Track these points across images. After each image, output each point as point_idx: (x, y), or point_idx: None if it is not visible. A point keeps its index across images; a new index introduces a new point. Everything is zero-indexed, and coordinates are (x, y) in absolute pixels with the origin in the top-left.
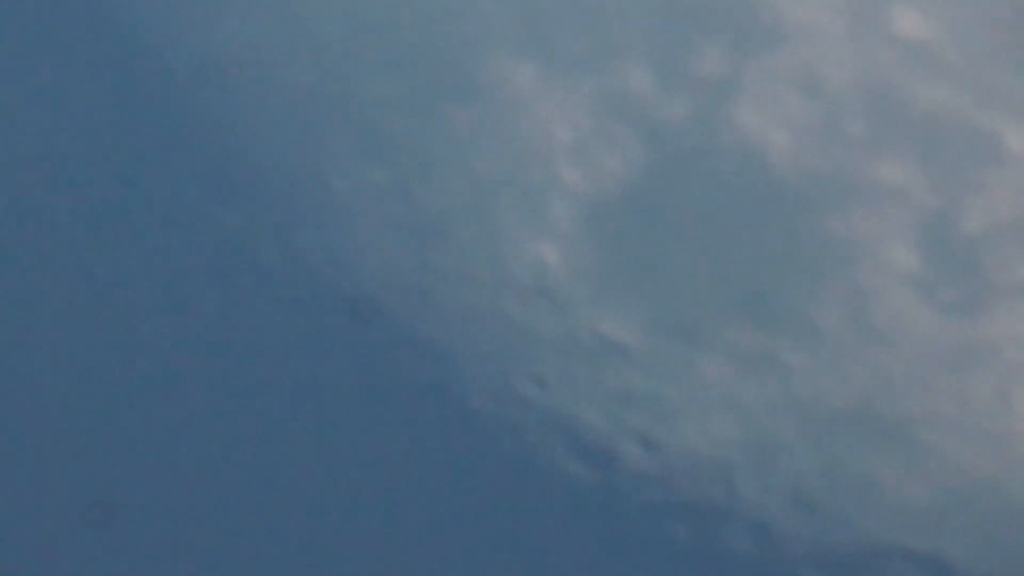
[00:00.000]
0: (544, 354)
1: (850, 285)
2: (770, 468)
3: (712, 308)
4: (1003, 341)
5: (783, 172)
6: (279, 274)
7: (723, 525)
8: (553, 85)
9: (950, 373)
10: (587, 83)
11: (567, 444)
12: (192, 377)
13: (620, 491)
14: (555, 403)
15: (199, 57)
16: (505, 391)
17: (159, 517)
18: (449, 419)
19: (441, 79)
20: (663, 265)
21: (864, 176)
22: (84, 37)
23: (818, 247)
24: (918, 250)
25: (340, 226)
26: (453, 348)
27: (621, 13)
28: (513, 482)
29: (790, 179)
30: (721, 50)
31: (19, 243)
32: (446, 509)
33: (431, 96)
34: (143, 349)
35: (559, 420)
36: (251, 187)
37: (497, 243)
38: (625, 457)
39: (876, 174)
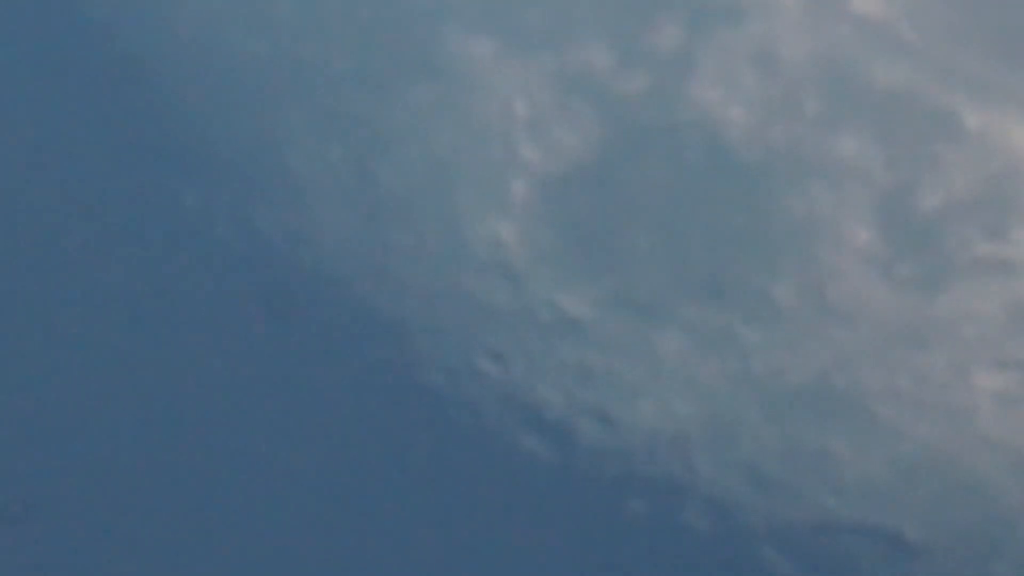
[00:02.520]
0: (502, 330)
1: (808, 262)
2: (728, 444)
3: (670, 284)
4: (960, 317)
5: (741, 148)
6: (236, 251)
7: (681, 501)
8: (511, 61)
9: (907, 349)
10: (545, 59)
11: (525, 420)
12: (148, 356)
13: (577, 467)
14: (513, 379)
15: (156, 35)
16: (463, 367)
17: (107, 501)
18: (407, 395)
19: (399, 56)
20: (621, 241)
21: (822, 153)
22: (37, 16)
23: (776, 223)
24: (876, 227)
25: (297, 203)
26: (411, 324)
27: None
28: (470, 457)
29: (748, 155)
30: (679, 27)
31: None
32: (404, 484)
33: (389, 73)
34: (99, 329)
35: (517, 396)
36: (208, 165)
37: (455, 219)
38: (582, 433)
39: (834, 151)
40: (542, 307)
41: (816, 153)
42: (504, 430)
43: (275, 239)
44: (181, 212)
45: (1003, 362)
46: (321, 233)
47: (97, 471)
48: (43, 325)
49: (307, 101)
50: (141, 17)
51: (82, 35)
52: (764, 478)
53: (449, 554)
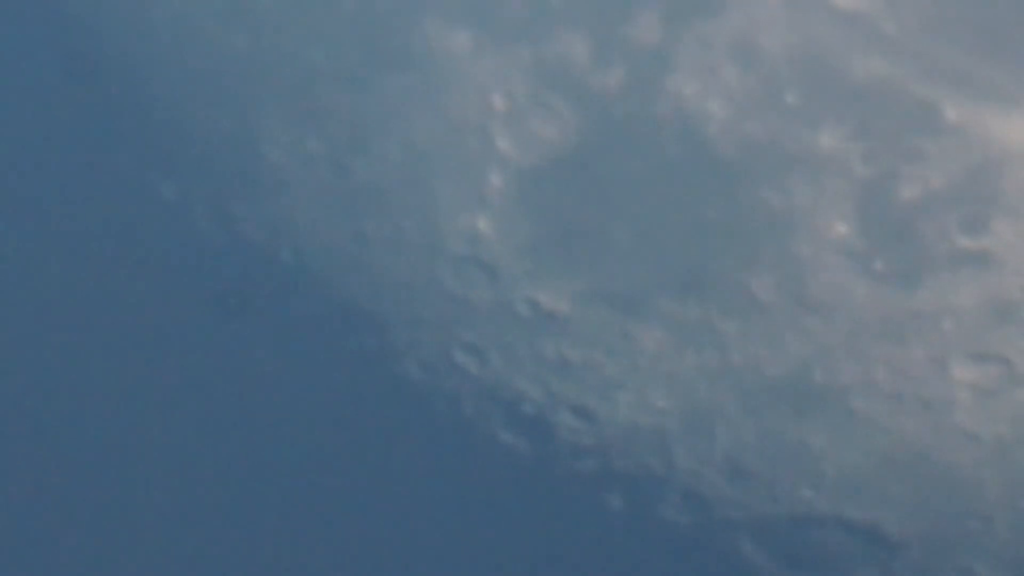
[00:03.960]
0: (479, 324)
1: (786, 255)
2: (706, 438)
3: (648, 278)
4: (939, 310)
5: (719, 141)
6: (214, 244)
7: (659, 494)
8: (488, 53)
9: (886, 342)
10: (522, 52)
11: (503, 414)
12: (126, 348)
13: (556, 461)
14: (490, 372)
15: (132, 27)
16: (440, 360)
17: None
18: (384, 388)
19: (375, 48)
20: (598, 235)
21: (800, 146)
22: (8, 7)
23: (754, 216)
24: (854, 220)
25: (274, 196)
26: (388, 317)
27: None
28: (447, 450)
29: (726, 148)
30: (657, 18)
31: None
32: (380, 478)
33: (365, 65)
34: (75, 322)
35: (494, 389)
36: (184, 157)
37: (432, 212)
38: (561, 427)
39: (813, 144)
40: (519, 300)
41: (795, 146)
42: (481, 423)
43: (252, 232)
44: (159, 205)
45: (982, 355)
46: (298, 225)
47: (82, 465)
48: (17, 318)
49: (284, 94)
50: (118, 8)
51: (57, 27)
52: (742, 471)
53: (426, 547)
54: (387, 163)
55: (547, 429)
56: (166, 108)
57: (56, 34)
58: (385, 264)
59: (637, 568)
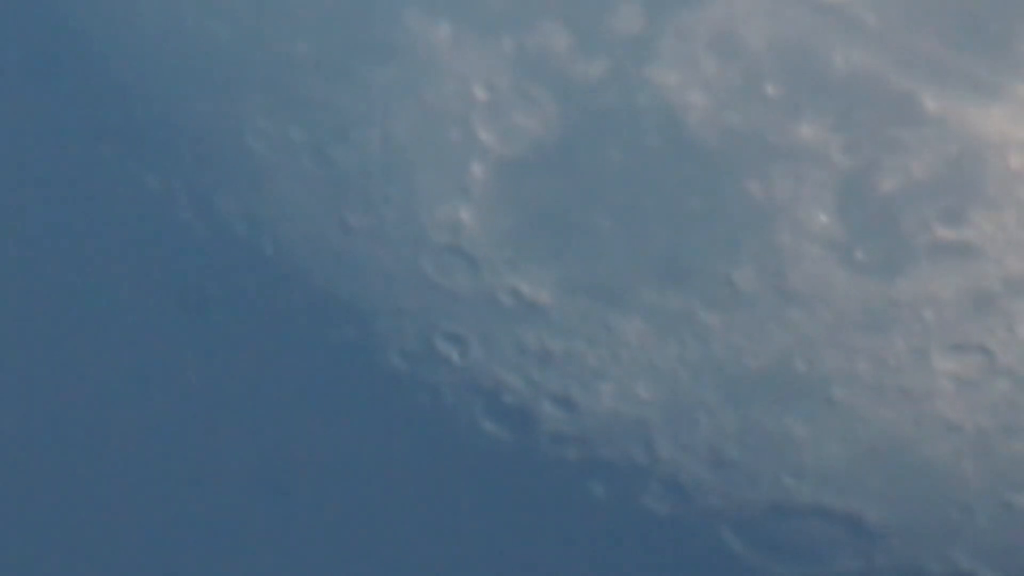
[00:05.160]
0: (461, 314)
1: (767, 245)
2: (688, 428)
3: (629, 268)
4: (920, 301)
5: (700, 132)
6: (197, 234)
7: (641, 484)
8: (469, 44)
9: (867, 333)
10: (503, 43)
11: (485, 404)
12: (108, 340)
13: (538, 451)
14: (472, 363)
15: (113, 18)
16: (422, 350)
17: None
18: (366, 378)
19: (358, 39)
20: (580, 225)
21: (782, 137)
22: None
23: (736, 208)
24: (835, 211)
25: (256, 186)
26: (370, 307)
27: None
28: (429, 440)
29: (707, 140)
30: (638, 9)
31: None
32: (363, 469)
33: (347, 56)
34: (57, 314)
35: (476, 379)
36: (167, 148)
37: (414, 203)
38: (543, 417)
39: (794, 135)
40: (501, 291)
41: (776, 137)
42: (464, 413)
43: (235, 222)
44: (141, 195)
45: (962, 346)
46: (280, 215)
47: (62, 458)
48: None
49: (266, 84)
50: (99, 2)
51: (38, 18)
52: (723, 461)
53: (407, 536)
54: (369, 154)
55: (529, 418)
56: (147, 98)
57: (36, 25)
58: (367, 254)
59: (619, 556)
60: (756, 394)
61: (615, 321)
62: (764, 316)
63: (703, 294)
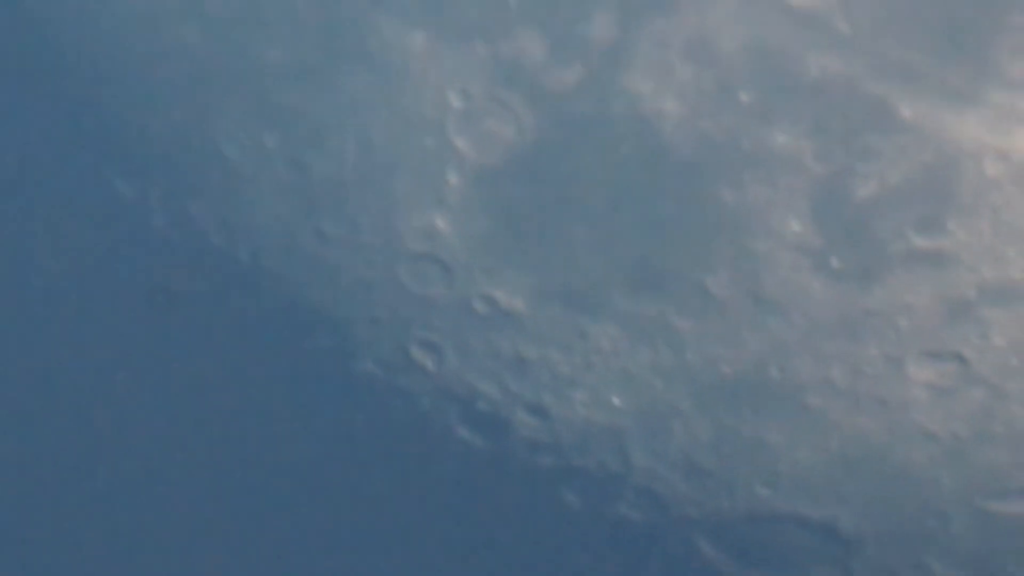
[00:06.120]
0: (436, 321)
1: (741, 252)
2: (662, 435)
3: (604, 276)
4: (895, 309)
5: (674, 139)
6: (171, 241)
7: (615, 492)
8: (444, 52)
9: (842, 340)
10: (478, 50)
11: (460, 411)
12: (82, 347)
13: (513, 458)
14: (447, 370)
15: (85, 23)
16: (397, 358)
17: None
18: (341, 386)
19: (333, 46)
20: (555, 233)
21: (755, 144)
22: None
23: (710, 214)
24: (809, 218)
25: (231, 193)
26: (345, 315)
27: None
28: (404, 448)
29: (681, 146)
30: (612, 17)
31: None
32: (338, 476)
33: (322, 63)
34: (31, 321)
35: (452, 387)
36: (142, 155)
37: (389, 210)
38: (517, 425)
39: (767, 141)
40: (476, 298)
41: (750, 144)
42: (438, 421)
43: (209, 229)
44: (116, 202)
45: (937, 353)
46: (254, 222)
47: (34, 464)
48: None
49: (241, 91)
50: (71, 4)
51: (8, 22)
52: (698, 469)
53: (382, 544)
54: (344, 161)
55: (503, 426)
56: (120, 105)
57: (6, 30)
58: (342, 262)
59: (593, 565)
60: (730, 401)
61: (588, 328)
62: (738, 323)
63: (677, 301)
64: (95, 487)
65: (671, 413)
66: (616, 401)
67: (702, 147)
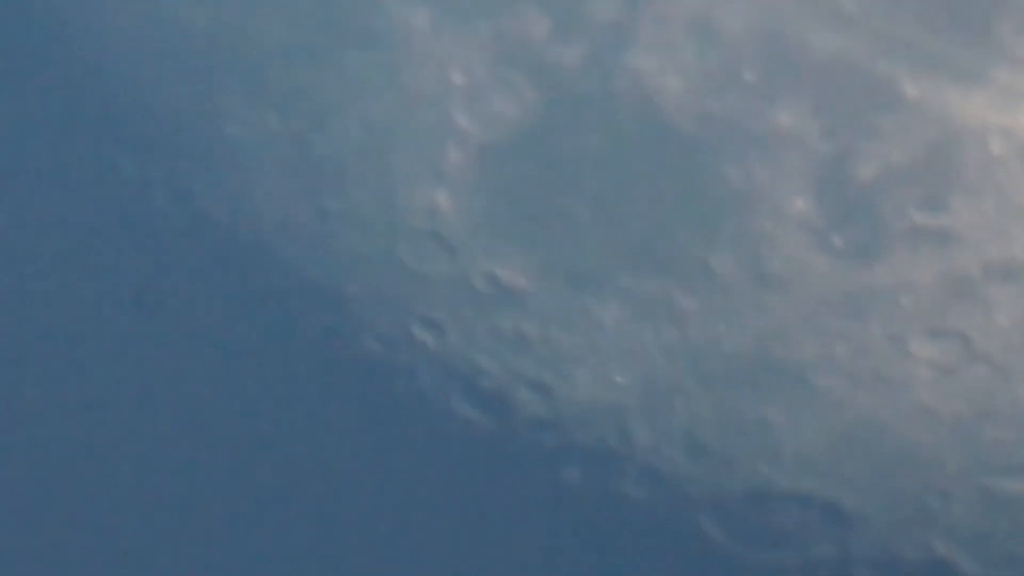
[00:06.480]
0: (438, 299)
1: (745, 231)
2: (665, 414)
3: (607, 254)
4: (898, 287)
5: (678, 118)
6: (174, 221)
7: (617, 470)
8: (447, 30)
9: (845, 319)
10: (481, 29)
11: (462, 389)
12: (86, 330)
13: (515, 437)
14: (449, 348)
15: (90, 5)
16: (399, 336)
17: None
18: (343, 363)
19: (336, 25)
20: (558, 211)
21: (760, 122)
22: None
23: (713, 193)
24: (813, 196)
25: (234, 172)
26: (347, 293)
27: None
28: (406, 426)
29: (685, 125)
30: None
31: None
32: (340, 453)
33: (325, 42)
34: (33, 306)
35: (453, 365)
36: (145, 134)
37: (391, 188)
38: (519, 402)
39: (772, 120)
40: (478, 276)
41: (754, 122)
42: (440, 398)
43: (212, 208)
44: (119, 181)
45: (940, 331)
46: (258, 201)
47: (39, 448)
48: None
49: (244, 70)
50: None
51: (13, 6)
52: (701, 447)
53: (384, 522)
54: (347, 139)
55: (505, 404)
56: (125, 84)
57: (11, 14)
58: (344, 239)
59: (595, 542)
60: (733, 380)
61: (591, 307)
62: (741, 301)
63: (680, 279)
64: (99, 453)
65: (673, 391)
66: (619, 379)
67: (706, 126)
